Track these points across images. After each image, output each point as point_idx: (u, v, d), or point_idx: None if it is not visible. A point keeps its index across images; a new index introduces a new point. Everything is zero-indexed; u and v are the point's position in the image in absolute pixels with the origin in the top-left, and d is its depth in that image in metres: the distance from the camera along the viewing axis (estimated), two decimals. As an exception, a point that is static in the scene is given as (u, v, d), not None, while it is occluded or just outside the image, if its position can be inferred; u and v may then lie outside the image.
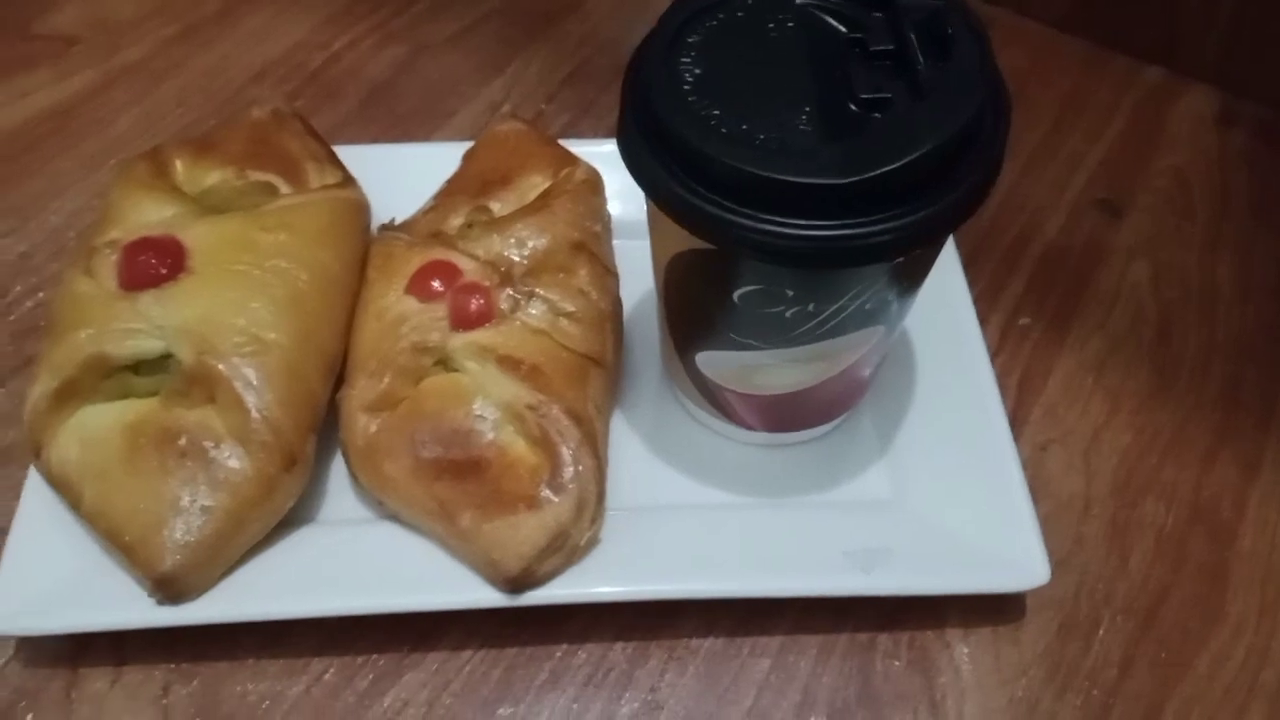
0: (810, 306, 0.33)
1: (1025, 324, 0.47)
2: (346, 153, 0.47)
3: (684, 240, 0.32)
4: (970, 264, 0.48)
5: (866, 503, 0.40)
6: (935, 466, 0.40)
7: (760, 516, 0.40)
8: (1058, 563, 0.40)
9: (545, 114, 0.55)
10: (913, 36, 0.31)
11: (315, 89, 0.56)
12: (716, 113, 0.30)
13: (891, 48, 0.31)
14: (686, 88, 0.31)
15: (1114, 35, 0.59)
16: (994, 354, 0.46)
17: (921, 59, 0.31)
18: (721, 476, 0.41)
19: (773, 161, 0.29)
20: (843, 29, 0.32)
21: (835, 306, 0.33)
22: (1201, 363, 0.46)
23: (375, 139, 0.53)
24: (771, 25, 0.33)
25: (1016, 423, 0.44)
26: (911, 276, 0.34)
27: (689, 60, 0.32)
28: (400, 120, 0.55)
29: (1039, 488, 0.42)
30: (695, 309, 0.36)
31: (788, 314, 0.33)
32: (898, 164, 0.29)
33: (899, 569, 0.38)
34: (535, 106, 0.56)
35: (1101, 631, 0.39)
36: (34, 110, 0.55)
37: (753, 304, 0.33)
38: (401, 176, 0.46)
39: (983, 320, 0.46)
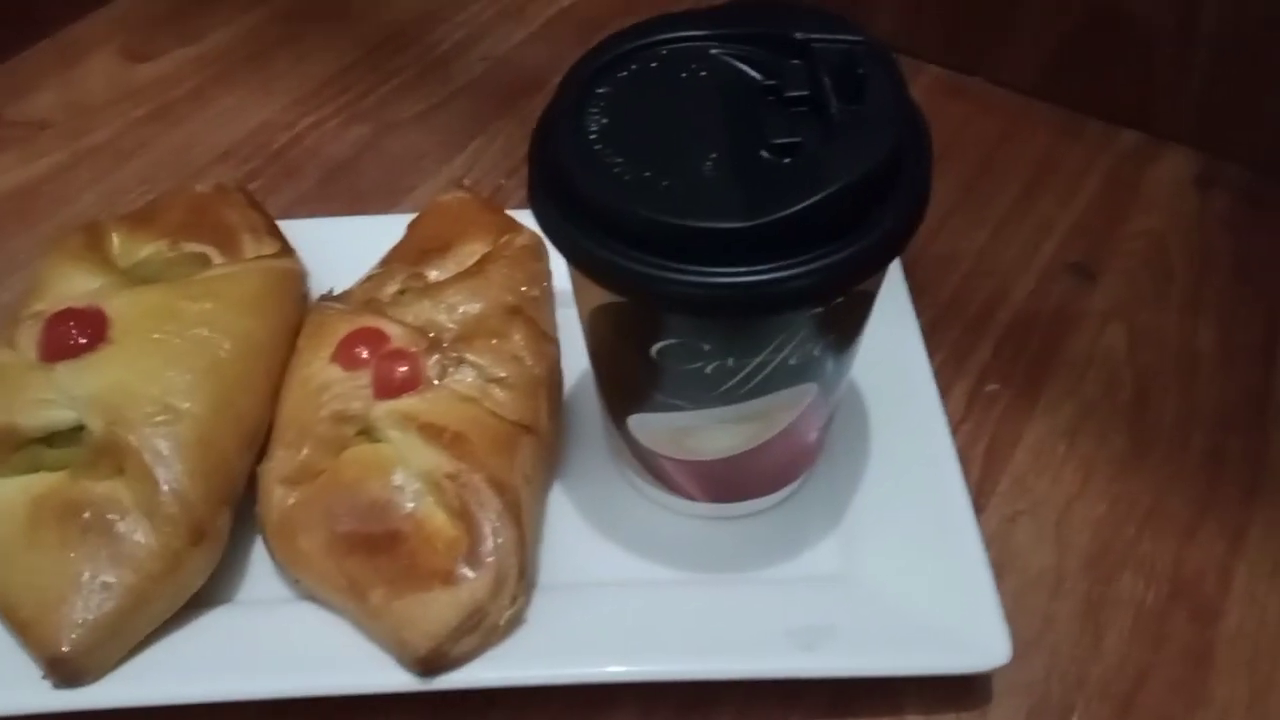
0: (730, 361, 0.31)
1: (992, 390, 0.45)
2: (293, 226, 0.46)
3: (598, 294, 0.31)
4: (934, 329, 0.47)
5: (815, 578, 0.38)
6: (889, 539, 0.38)
7: (702, 593, 0.37)
8: (1026, 642, 0.37)
9: (504, 188, 0.55)
10: (826, 80, 0.30)
11: (276, 167, 0.56)
12: (620, 160, 0.29)
13: (807, 93, 0.30)
14: (592, 137, 0.30)
15: (1087, 101, 0.58)
16: (959, 421, 0.44)
17: (835, 101, 0.29)
18: (662, 551, 0.39)
19: (673, 206, 0.28)
20: (758, 76, 0.31)
21: (756, 361, 0.31)
22: (1181, 430, 0.44)
23: (332, 215, 0.53)
24: (684, 75, 0.32)
25: (983, 493, 0.42)
26: (838, 329, 0.32)
27: (596, 111, 0.31)
28: (359, 197, 0.55)
29: (1006, 562, 0.40)
30: (618, 367, 0.34)
31: (708, 370, 0.31)
32: (802, 205, 0.27)
33: (846, 648, 0.35)
34: (495, 182, 0.55)
35: (1075, 718, 0.36)
36: (-2, 191, 0.55)
37: (672, 360, 0.32)
38: (347, 248, 0.45)
39: (948, 387, 0.45)
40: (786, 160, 0.29)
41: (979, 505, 0.41)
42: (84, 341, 0.38)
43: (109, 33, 0.64)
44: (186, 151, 0.57)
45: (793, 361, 0.31)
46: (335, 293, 0.43)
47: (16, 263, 0.51)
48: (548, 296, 0.43)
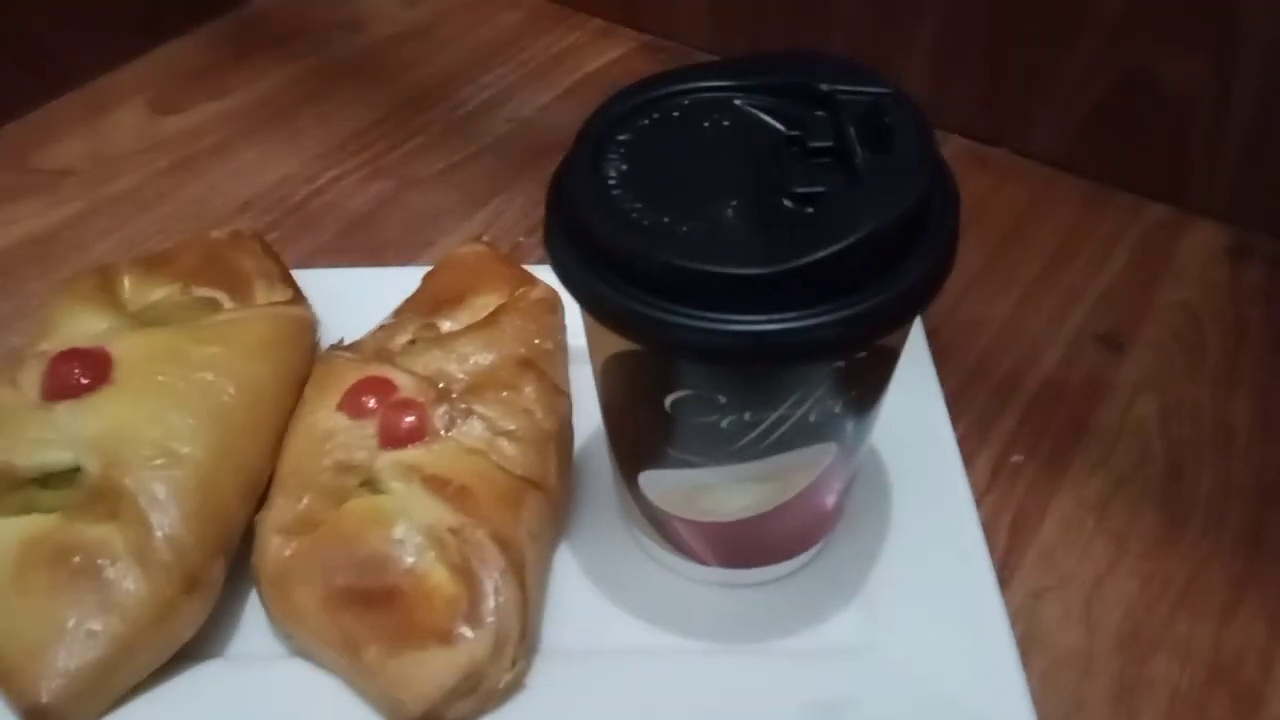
0: (746, 415, 0.30)
1: (1018, 461, 0.44)
2: (307, 276, 0.46)
3: (612, 342, 0.30)
4: (958, 398, 0.45)
5: (833, 650, 0.36)
6: (910, 612, 0.36)
7: (712, 664, 0.36)
8: (1054, 726, 0.35)
9: (523, 246, 0.54)
10: (851, 130, 0.29)
11: (294, 220, 0.56)
12: (638, 205, 0.28)
13: (831, 144, 0.29)
14: (610, 182, 0.29)
15: (1117, 173, 0.57)
16: (983, 492, 0.42)
17: (860, 151, 0.29)
18: (672, 618, 0.37)
19: (691, 251, 0.27)
20: (781, 127, 0.31)
21: (774, 416, 0.30)
22: (1217, 505, 0.42)
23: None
24: (707, 124, 0.31)
25: (1008, 567, 0.40)
26: (859, 386, 0.31)
27: (615, 157, 0.30)
28: (376, 250, 0.54)
29: (1034, 639, 0.38)
30: (631, 420, 0.33)
31: (724, 424, 0.30)
32: (826, 252, 0.26)
33: (865, 726, 0.33)
34: (514, 239, 0.55)
35: (1107, 810, 0.34)
36: (17, 237, 0.55)
37: (686, 412, 0.30)
38: (361, 299, 0.44)
39: (971, 457, 0.43)
40: (809, 209, 0.28)
41: (1004, 580, 0.39)
42: (86, 382, 0.37)
43: (138, 85, 0.65)
44: (206, 202, 0.57)
45: (812, 418, 0.30)
46: (346, 342, 0.42)
47: (30, 307, 0.51)
48: (561, 351, 0.42)
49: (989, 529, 0.40)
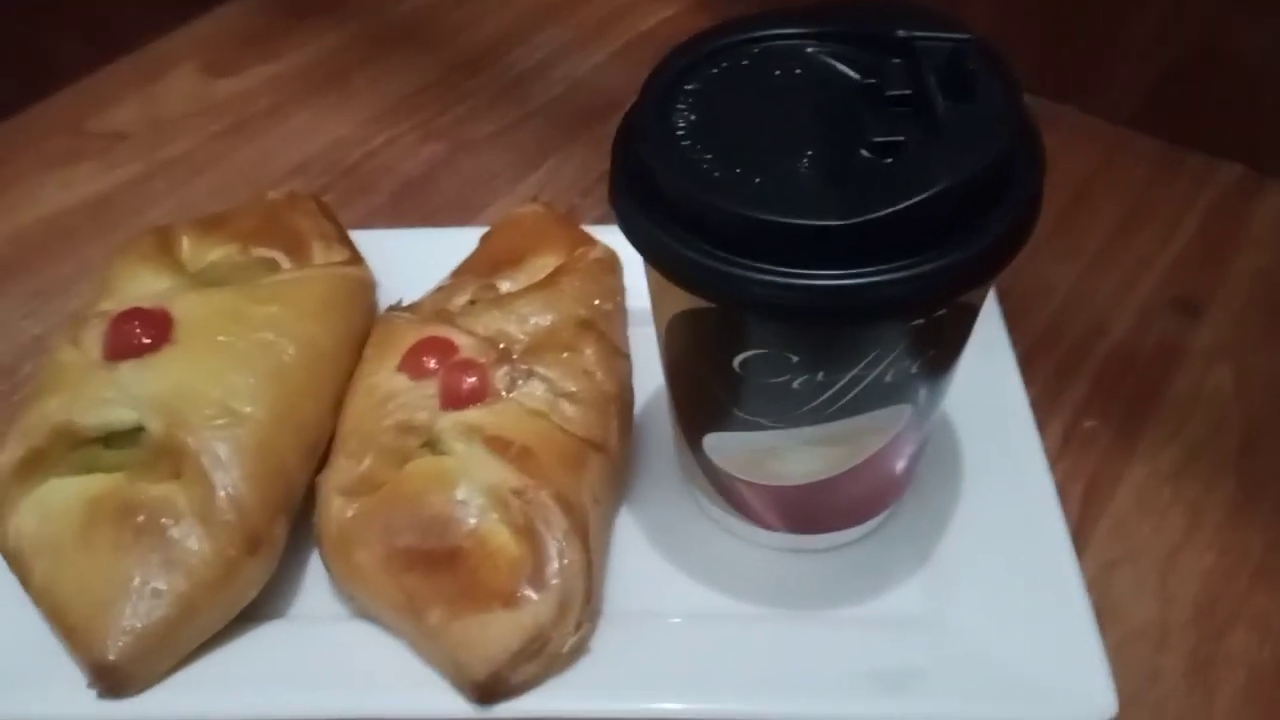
0: (820, 375, 0.29)
1: (1091, 427, 0.42)
2: (364, 237, 0.45)
3: (679, 299, 0.29)
4: (1027, 363, 0.44)
5: (900, 619, 0.35)
6: (981, 580, 0.35)
7: (776, 630, 0.35)
8: (1128, 699, 0.34)
9: (579, 208, 0.53)
10: (931, 78, 0.28)
11: (348, 183, 0.55)
12: (708, 157, 0.27)
13: (909, 92, 0.28)
14: (680, 133, 0.28)
15: (1189, 133, 0.55)
16: (1055, 459, 0.41)
17: (941, 100, 0.27)
18: (735, 583, 0.36)
19: (764, 202, 0.26)
20: (857, 75, 0.30)
21: (849, 376, 0.29)
22: (1295, 477, 0.41)
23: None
24: (779, 72, 0.30)
25: (1080, 536, 0.39)
26: (938, 345, 0.30)
27: (685, 107, 0.29)
28: (431, 214, 0.54)
29: (1105, 612, 0.36)
30: (696, 381, 0.32)
31: (795, 384, 0.29)
32: (906, 204, 0.25)
33: (935, 694, 0.32)
34: (569, 201, 0.54)
35: (1184, 784, 0.33)
36: (74, 200, 0.55)
37: (756, 373, 0.30)
38: (418, 261, 0.44)
39: (1043, 423, 0.42)
40: (888, 160, 0.27)
41: (1076, 549, 0.38)
42: (148, 342, 0.37)
43: (191, 49, 0.65)
44: (261, 166, 0.57)
45: (888, 379, 0.29)
46: (404, 304, 0.41)
47: (88, 270, 0.51)
48: (621, 312, 0.41)
49: (1061, 497, 0.39)
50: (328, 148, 0.58)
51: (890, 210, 0.25)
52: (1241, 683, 0.35)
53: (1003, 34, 0.57)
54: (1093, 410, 0.43)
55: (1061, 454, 0.42)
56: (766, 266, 0.26)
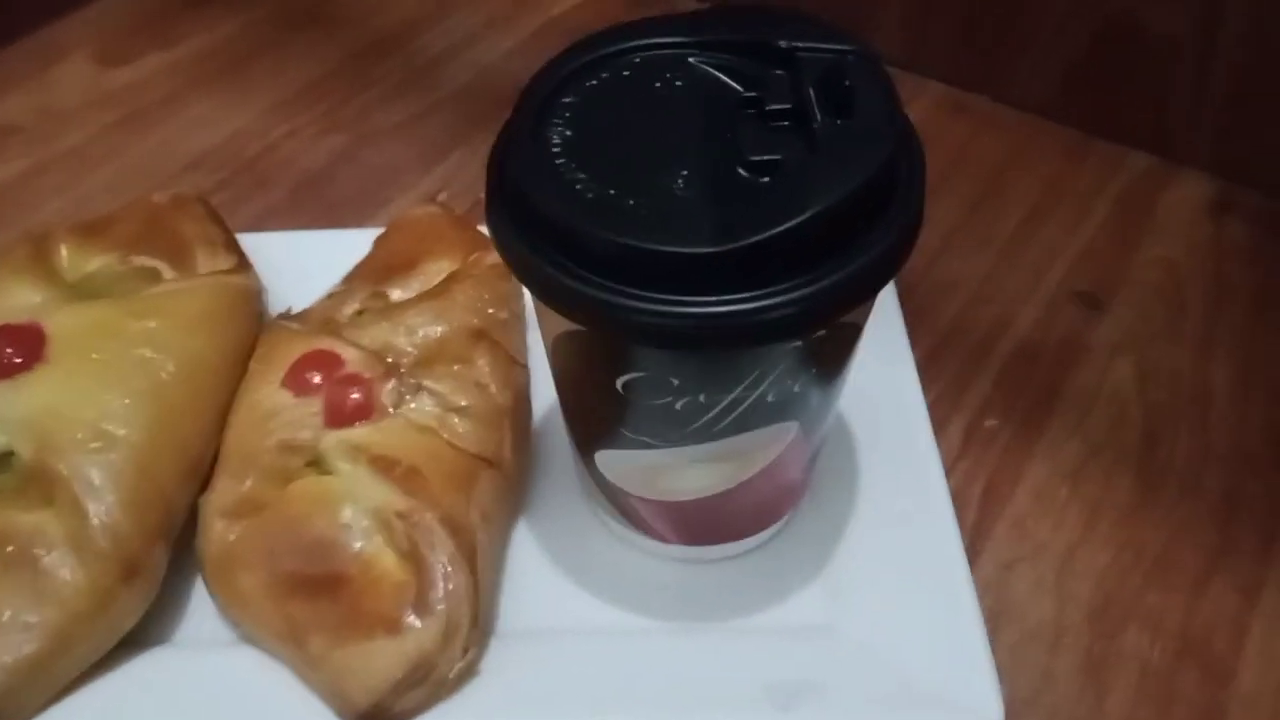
0: (701, 397, 0.28)
1: (992, 426, 0.43)
2: (256, 239, 0.44)
3: (560, 320, 0.28)
4: (931, 361, 0.44)
5: (798, 628, 0.35)
6: (877, 588, 0.35)
7: (674, 643, 0.35)
8: (1023, 701, 0.35)
9: (483, 203, 0.52)
10: (812, 92, 0.27)
11: (247, 178, 0.54)
12: (582, 176, 0.27)
13: (790, 106, 0.28)
14: (555, 150, 0.28)
15: (1098, 121, 0.55)
16: (956, 459, 0.41)
17: (819, 115, 0.27)
18: (635, 596, 0.36)
19: (639, 228, 0.25)
20: (739, 87, 0.29)
21: (730, 398, 0.28)
22: (1193, 473, 0.41)
23: (302, 228, 0.50)
24: (658, 84, 0.29)
25: (979, 536, 0.39)
26: (821, 364, 0.29)
27: (559, 122, 0.28)
28: (331, 209, 0.52)
29: (1003, 612, 0.37)
30: (583, 400, 0.32)
31: (678, 405, 0.29)
32: (780, 229, 0.25)
33: (829, 706, 0.32)
34: (476, 194, 0.53)
35: (1075, 786, 0.33)
36: (-38, 197, 0.53)
37: (638, 394, 0.29)
38: (313, 264, 0.43)
39: (944, 422, 0.42)
40: (765, 179, 0.26)
41: (975, 550, 0.38)
42: (19, 361, 0.35)
43: (83, 37, 0.62)
44: (156, 159, 0.55)
45: (771, 399, 0.29)
46: (294, 311, 0.40)
47: (-27, 272, 0.49)
48: (519, 320, 0.40)
49: (961, 497, 0.39)
50: (226, 140, 0.56)
51: (764, 235, 0.25)
52: (1133, 680, 0.36)
53: (916, 22, 0.57)
54: (994, 408, 0.43)
55: (963, 453, 0.42)
56: (642, 293, 0.25)
